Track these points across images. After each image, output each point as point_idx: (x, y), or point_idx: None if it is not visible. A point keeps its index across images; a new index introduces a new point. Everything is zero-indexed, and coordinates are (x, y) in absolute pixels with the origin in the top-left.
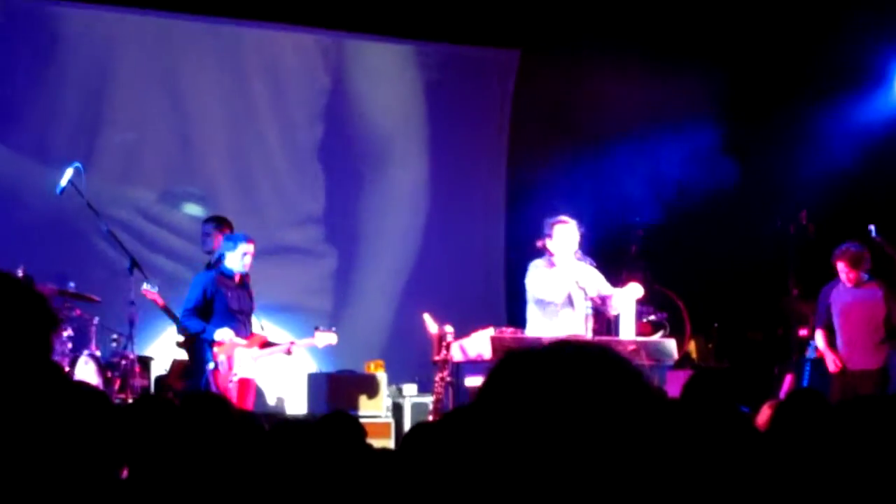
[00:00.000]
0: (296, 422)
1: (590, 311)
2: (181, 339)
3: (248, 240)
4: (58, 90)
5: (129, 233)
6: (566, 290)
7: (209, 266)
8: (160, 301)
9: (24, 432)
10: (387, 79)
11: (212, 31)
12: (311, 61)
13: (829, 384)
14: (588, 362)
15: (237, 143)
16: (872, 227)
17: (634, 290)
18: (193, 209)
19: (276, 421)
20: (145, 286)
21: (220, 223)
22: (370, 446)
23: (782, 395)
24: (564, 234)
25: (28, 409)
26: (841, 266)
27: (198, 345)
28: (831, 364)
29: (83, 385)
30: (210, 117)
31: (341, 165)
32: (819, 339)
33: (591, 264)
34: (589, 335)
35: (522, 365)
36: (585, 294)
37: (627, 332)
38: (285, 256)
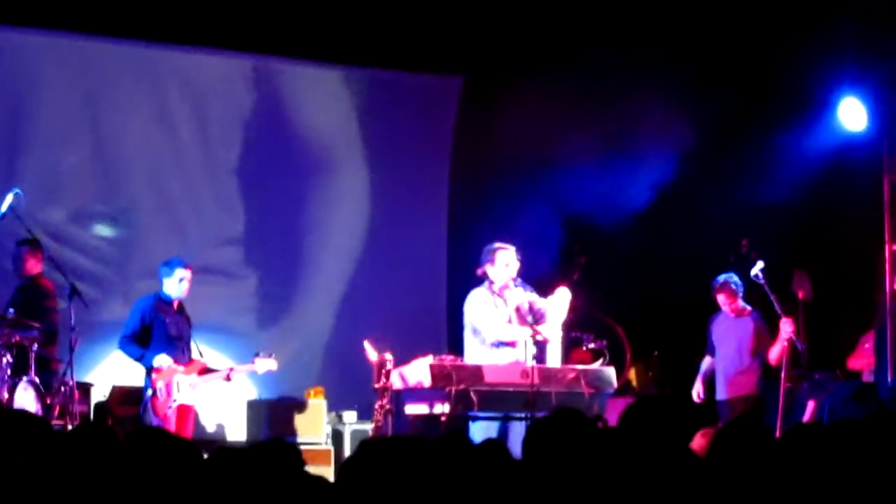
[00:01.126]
0: (233, 449)
1: (529, 339)
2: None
3: (184, 265)
4: None
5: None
6: (506, 328)
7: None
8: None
9: None
10: (319, 102)
11: (131, 54)
12: (233, 83)
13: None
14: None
15: (157, 163)
16: (760, 264)
17: (563, 294)
18: (104, 230)
19: (214, 448)
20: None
21: (32, 246)
22: (308, 474)
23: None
24: (504, 261)
25: None
26: (721, 298)
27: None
28: (695, 394)
29: (21, 413)
30: (130, 138)
31: (268, 186)
32: (703, 365)
33: (531, 291)
34: (530, 363)
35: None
36: (524, 321)
37: (554, 356)
38: (207, 276)
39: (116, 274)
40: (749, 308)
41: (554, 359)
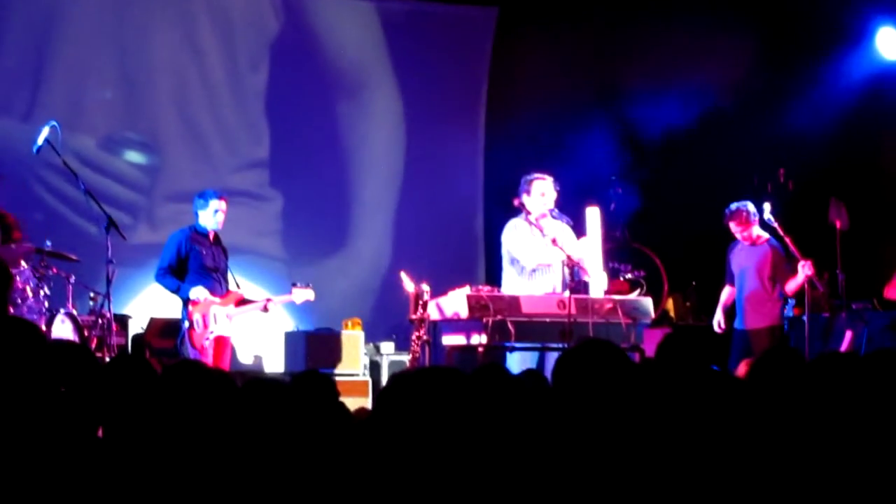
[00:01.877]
0: (268, 380)
1: (567, 270)
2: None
3: (219, 196)
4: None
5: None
6: (543, 251)
7: None
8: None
9: None
10: (351, 32)
11: None
12: (263, 10)
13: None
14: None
15: (184, 88)
16: (767, 207)
17: (593, 215)
18: (135, 156)
19: (249, 379)
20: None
21: None
22: (343, 405)
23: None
24: (542, 191)
25: None
26: (732, 226)
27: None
28: (716, 324)
29: (62, 342)
30: (158, 64)
31: (297, 111)
32: (722, 296)
33: (568, 222)
34: (565, 294)
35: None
36: (562, 250)
37: (597, 287)
38: (235, 199)
39: (146, 199)
40: (766, 235)
41: (599, 292)
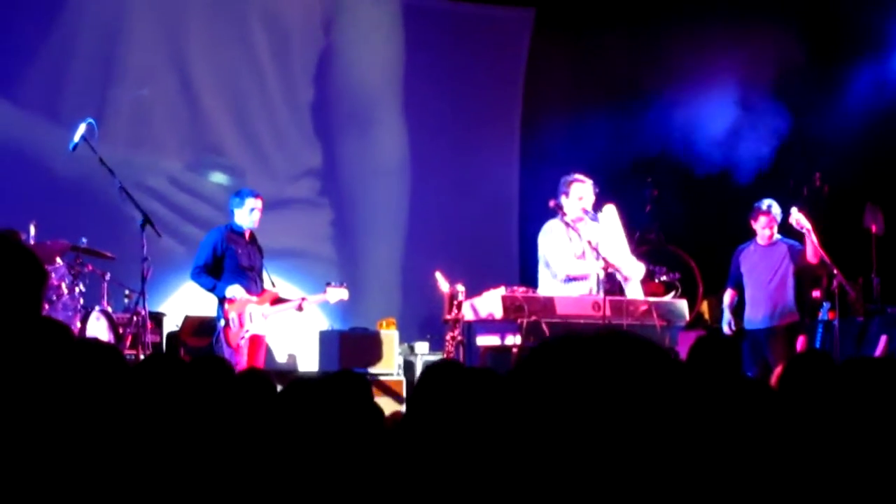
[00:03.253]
0: (303, 380)
1: (601, 273)
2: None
3: (255, 195)
4: (65, 47)
5: (151, 194)
6: (577, 262)
7: None
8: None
9: (22, 390)
10: (392, 34)
11: None
12: (312, 16)
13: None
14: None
15: (241, 99)
16: (794, 210)
17: (610, 212)
18: (219, 178)
19: (288, 379)
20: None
21: None
22: (377, 406)
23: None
24: (580, 194)
25: (20, 368)
26: (764, 220)
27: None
28: (726, 326)
29: (93, 342)
30: (214, 72)
31: (341, 118)
32: (726, 298)
33: (594, 219)
34: (601, 295)
35: (556, 354)
36: (597, 254)
37: (636, 275)
38: (290, 207)
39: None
40: (779, 236)
41: (635, 292)
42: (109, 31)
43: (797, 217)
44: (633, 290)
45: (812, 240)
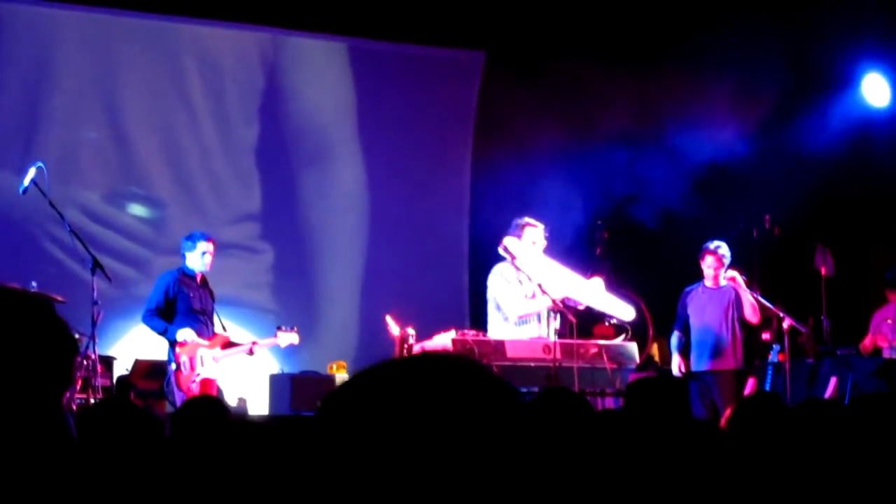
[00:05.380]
0: (253, 423)
1: (552, 314)
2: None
3: (207, 238)
4: None
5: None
6: (527, 301)
7: None
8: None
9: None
10: (338, 76)
11: (149, 28)
12: (250, 57)
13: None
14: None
15: (175, 139)
16: (729, 272)
17: (597, 285)
18: (139, 210)
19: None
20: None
21: None
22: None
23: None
24: (532, 238)
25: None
26: (710, 260)
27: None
28: (675, 369)
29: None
30: (147, 114)
31: (284, 161)
32: (673, 340)
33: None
34: (552, 338)
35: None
36: (549, 297)
37: (606, 303)
38: (225, 251)
39: (149, 251)
40: (725, 278)
41: (608, 306)
42: (38, 70)
43: (733, 275)
44: (604, 304)
45: (749, 299)
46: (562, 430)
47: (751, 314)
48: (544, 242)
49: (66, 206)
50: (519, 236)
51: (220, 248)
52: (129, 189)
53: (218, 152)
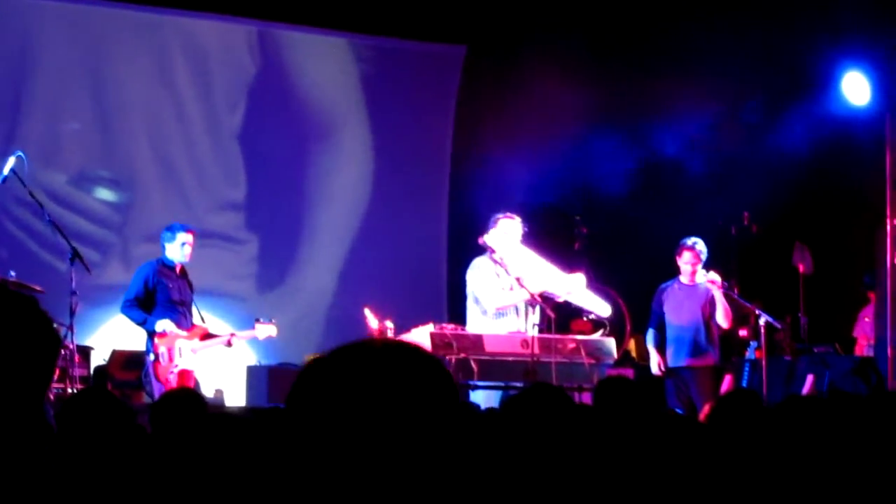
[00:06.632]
0: (231, 415)
1: (530, 308)
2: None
3: (186, 229)
4: None
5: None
6: (505, 294)
7: None
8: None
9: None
10: (322, 69)
11: (134, 18)
12: (237, 49)
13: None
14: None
15: (160, 128)
16: (706, 273)
17: (579, 281)
18: (106, 194)
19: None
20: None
21: None
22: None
23: (722, 394)
24: (508, 231)
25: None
26: (688, 256)
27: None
28: (654, 367)
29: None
30: (132, 103)
31: (270, 151)
32: (649, 337)
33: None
34: (531, 332)
35: (328, 368)
36: (526, 290)
37: (586, 300)
38: (208, 241)
39: (117, 237)
40: (703, 276)
41: (588, 302)
42: (22, 60)
43: (714, 277)
44: (582, 299)
45: (723, 304)
46: (548, 427)
47: (722, 319)
48: (520, 235)
49: (48, 195)
50: (495, 230)
51: (202, 238)
52: (97, 173)
53: (203, 141)
